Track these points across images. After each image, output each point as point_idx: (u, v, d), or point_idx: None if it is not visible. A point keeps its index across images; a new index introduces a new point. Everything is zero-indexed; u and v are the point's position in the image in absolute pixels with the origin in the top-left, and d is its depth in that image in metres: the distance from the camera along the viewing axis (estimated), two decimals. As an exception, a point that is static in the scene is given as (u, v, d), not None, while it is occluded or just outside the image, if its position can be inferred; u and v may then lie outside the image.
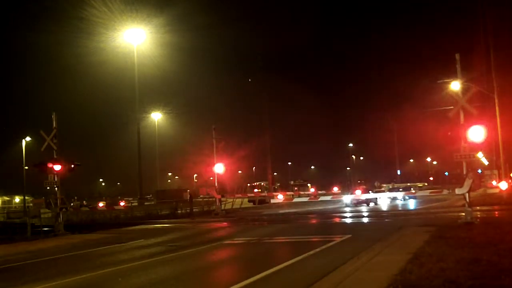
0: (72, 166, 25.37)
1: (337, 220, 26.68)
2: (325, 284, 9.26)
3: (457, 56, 19.65)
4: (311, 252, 13.47)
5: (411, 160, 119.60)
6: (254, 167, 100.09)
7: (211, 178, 35.11)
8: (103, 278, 11.75)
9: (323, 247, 14.42)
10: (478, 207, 23.66)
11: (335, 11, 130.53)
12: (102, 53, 51.95)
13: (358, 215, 29.10)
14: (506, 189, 32.19)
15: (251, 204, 51.09)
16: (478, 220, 18.20)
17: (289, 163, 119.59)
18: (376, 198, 41.53)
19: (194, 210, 40.05)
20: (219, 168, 34.37)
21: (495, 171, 39.67)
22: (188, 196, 43.48)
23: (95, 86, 76.81)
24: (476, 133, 18.62)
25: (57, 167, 24.64)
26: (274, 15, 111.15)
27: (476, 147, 19.24)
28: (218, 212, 34.87)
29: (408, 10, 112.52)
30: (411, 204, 42.24)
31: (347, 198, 42.15)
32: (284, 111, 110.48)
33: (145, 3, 60.20)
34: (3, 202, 72.13)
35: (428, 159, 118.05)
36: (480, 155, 45.35)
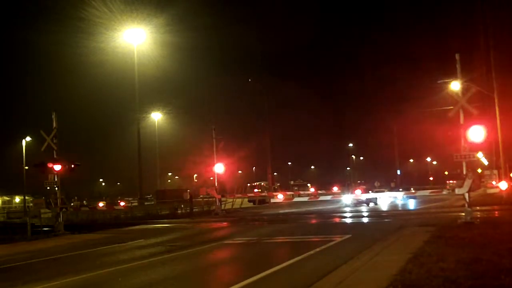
0: (72, 166, 25.37)
1: (337, 220, 26.68)
2: (325, 284, 9.27)
3: (457, 56, 19.66)
4: (311, 252, 13.47)
5: (411, 160, 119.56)
6: (254, 167, 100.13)
7: (211, 178, 35.11)
8: (103, 278, 11.76)
9: (323, 247, 14.42)
10: (478, 207, 23.67)
11: (335, 11, 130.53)
12: (102, 53, 51.93)
13: (358, 215, 29.10)
14: (506, 189, 32.14)
15: (251, 204, 51.10)
16: (478, 220, 18.21)
17: (289, 163, 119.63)
18: (376, 198, 41.53)
19: (194, 210, 40.06)
20: (219, 168, 34.39)
21: (495, 171, 39.63)
22: (188, 196, 43.40)
23: (95, 86, 76.81)
24: (476, 133, 18.65)
25: (57, 167, 24.64)
26: (274, 15, 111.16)
27: (476, 147, 19.25)
28: (218, 212, 34.87)
29: (408, 10, 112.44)
30: (411, 204, 42.24)
31: (347, 198, 42.16)
32: (284, 111, 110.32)
33: (145, 3, 60.01)
34: (3, 202, 72.11)
35: (428, 159, 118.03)
36: (480, 155, 45.34)
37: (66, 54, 66.21)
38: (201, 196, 43.86)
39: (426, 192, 35.92)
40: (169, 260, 13.98)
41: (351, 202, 40.73)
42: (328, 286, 9.09)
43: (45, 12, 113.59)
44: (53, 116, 25.55)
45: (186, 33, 63.66)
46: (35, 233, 24.46)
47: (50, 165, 24.67)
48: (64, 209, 26.43)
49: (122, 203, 42.93)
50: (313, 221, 27.10)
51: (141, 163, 51.88)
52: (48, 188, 25.25)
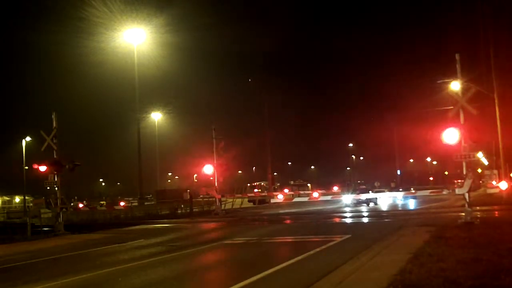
0: (72, 165, 25.36)
1: (337, 220, 26.68)
2: (325, 284, 9.27)
3: (457, 56, 19.66)
4: (311, 252, 13.47)
5: (411, 160, 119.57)
6: (254, 167, 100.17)
7: (211, 178, 35.10)
8: (103, 278, 11.75)
9: (323, 247, 14.42)
10: (478, 207, 23.66)
11: (335, 11, 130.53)
12: (102, 53, 51.99)
13: (358, 215, 29.10)
14: (506, 189, 32.15)
15: (251, 204, 51.13)
16: (478, 220, 18.20)
17: (289, 163, 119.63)
18: (376, 198, 41.55)
19: (194, 210, 40.08)
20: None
21: (495, 171, 39.65)
22: (188, 196, 43.41)
23: (95, 86, 76.84)
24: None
25: (57, 167, 24.64)
26: (274, 15, 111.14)
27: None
28: (218, 212, 34.88)
29: (408, 10, 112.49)
30: (411, 204, 42.24)
31: (347, 198, 42.16)
32: (284, 111, 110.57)
33: (145, 3, 60.24)
34: (3, 202, 72.06)
35: (428, 159, 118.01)
36: (480, 155, 45.35)
37: (66, 54, 66.28)
38: (201, 196, 43.91)
39: (426, 192, 35.89)
40: (169, 260, 13.97)
41: (351, 202, 40.72)
42: (328, 286, 9.08)
43: (45, 12, 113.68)
44: (53, 116, 25.55)
45: (186, 33, 63.75)
46: (35, 233, 24.46)
47: (49, 165, 24.67)
48: (64, 209, 26.42)
49: (122, 203, 42.95)
50: (313, 221, 27.08)
51: (141, 163, 51.92)
52: (48, 188, 25.25)
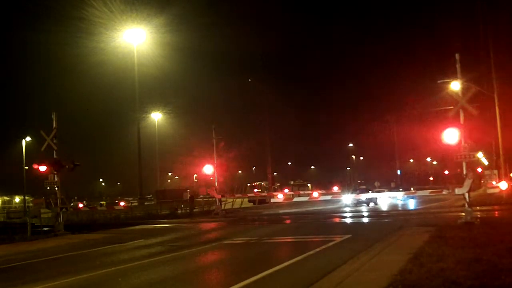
0: (72, 165, 25.37)
1: (337, 220, 26.69)
2: (325, 284, 9.27)
3: (457, 56, 19.66)
4: (311, 252, 13.48)
5: (411, 160, 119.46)
6: (254, 167, 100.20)
7: (211, 178, 35.12)
8: (103, 278, 11.75)
9: (323, 247, 14.42)
10: (478, 207, 23.65)
11: (335, 12, 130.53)
12: (102, 53, 52.02)
13: (358, 215, 29.10)
14: (506, 189, 32.13)
15: (251, 204, 51.13)
16: (478, 220, 18.20)
17: (289, 163, 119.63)
18: (376, 198, 41.53)
19: (194, 210, 40.07)
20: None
21: (495, 171, 39.61)
22: (188, 196, 43.45)
23: (95, 86, 76.86)
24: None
25: (57, 167, 24.64)
26: (275, 15, 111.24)
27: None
28: (218, 212, 34.88)
29: (408, 9, 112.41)
30: (411, 204, 42.22)
31: (347, 198, 42.15)
32: (284, 111, 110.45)
33: (145, 3, 60.29)
34: (3, 202, 72.02)
35: (428, 159, 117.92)
36: (480, 155, 45.32)
37: (66, 54, 66.31)
38: (201, 196, 43.93)
39: (426, 192, 35.88)
40: (169, 260, 13.98)
41: (351, 202, 40.72)
42: (328, 286, 9.09)
43: (45, 12, 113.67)
44: (53, 116, 25.55)
45: (186, 33, 63.86)
46: (35, 233, 24.47)
47: (49, 165, 24.67)
48: (64, 209, 26.41)
49: (122, 203, 42.99)
50: (313, 221, 27.07)
51: (141, 163, 51.91)
52: (48, 188, 25.25)
